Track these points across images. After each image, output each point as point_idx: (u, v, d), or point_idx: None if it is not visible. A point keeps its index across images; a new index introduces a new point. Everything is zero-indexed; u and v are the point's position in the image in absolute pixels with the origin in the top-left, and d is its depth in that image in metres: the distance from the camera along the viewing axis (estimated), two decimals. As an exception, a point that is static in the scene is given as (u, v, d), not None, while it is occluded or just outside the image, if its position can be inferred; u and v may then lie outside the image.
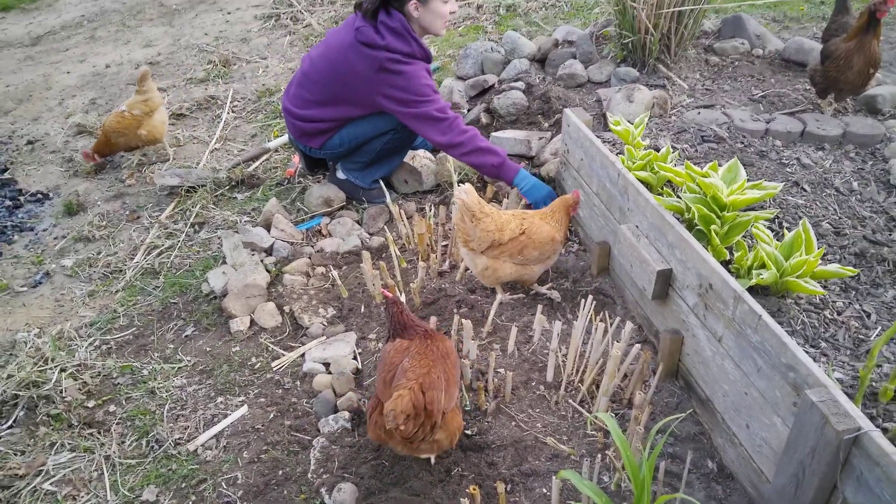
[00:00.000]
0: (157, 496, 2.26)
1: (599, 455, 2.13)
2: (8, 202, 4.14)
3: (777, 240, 2.42)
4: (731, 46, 4.03)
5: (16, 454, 2.44)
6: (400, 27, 3.16)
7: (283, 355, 2.74)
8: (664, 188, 2.79)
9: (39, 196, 4.19)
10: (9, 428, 2.54)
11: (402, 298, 2.73)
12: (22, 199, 4.18)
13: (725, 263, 2.37)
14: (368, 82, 3.20)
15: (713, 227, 2.36)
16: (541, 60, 4.29)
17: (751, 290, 2.18)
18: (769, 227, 2.60)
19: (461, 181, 3.48)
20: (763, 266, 2.25)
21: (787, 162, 3.02)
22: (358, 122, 3.38)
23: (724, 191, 2.38)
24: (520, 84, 3.99)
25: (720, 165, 2.57)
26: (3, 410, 2.60)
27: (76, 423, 2.54)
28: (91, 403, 2.62)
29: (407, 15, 3.20)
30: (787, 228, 2.60)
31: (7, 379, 2.70)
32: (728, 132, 3.21)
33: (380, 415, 1.96)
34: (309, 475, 2.22)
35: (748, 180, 2.48)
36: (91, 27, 7.05)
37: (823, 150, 3.14)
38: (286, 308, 2.95)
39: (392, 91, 3.19)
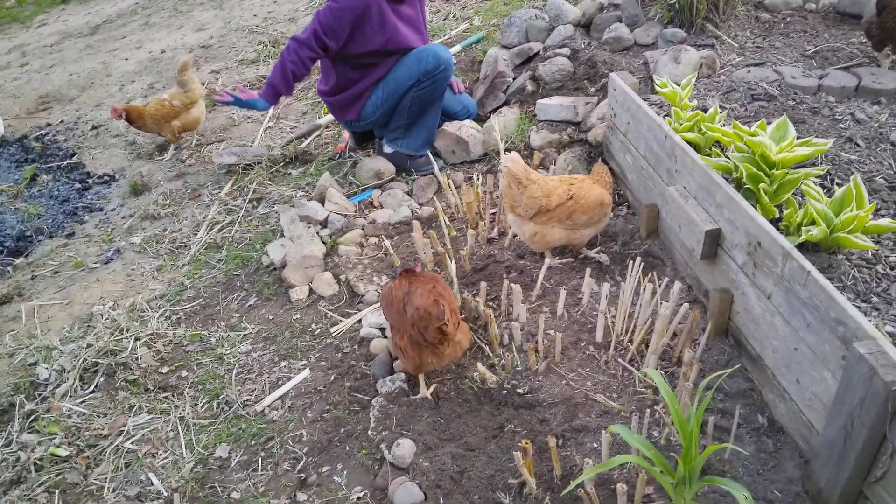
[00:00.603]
0: (229, 453, 2.42)
1: (648, 411, 2.18)
2: (78, 185, 4.37)
3: (828, 196, 2.39)
4: (782, 2, 3.92)
5: (99, 416, 2.63)
6: None
7: (341, 321, 2.86)
8: (712, 149, 2.78)
9: (106, 178, 4.41)
10: (91, 392, 2.74)
11: (453, 266, 2.81)
12: (90, 181, 4.40)
13: (775, 221, 2.37)
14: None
15: (762, 185, 2.36)
16: (585, 25, 4.26)
17: (800, 247, 2.17)
18: (821, 185, 2.57)
19: (508, 150, 3.52)
20: (813, 223, 2.24)
21: (840, 118, 2.95)
22: (379, 86, 3.51)
23: (772, 149, 2.36)
24: (565, 50, 3.98)
25: (769, 124, 2.55)
26: (86, 377, 2.80)
27: (152, 388, 2.72)
28: (165, 369, 2.80)
29: None
30: (838, 185, 2.57)
31: (87, 348, 2.90)
32: (779, 90, 3.15)
33: (401, 338, 2.29)
34: (369, 432, 2.34)
35: (798, 137, 2.46)
36: (145, 14, 7.28)
37: (879, 105, 3.06)
38: (342, 277, 3.07)
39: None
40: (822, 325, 1.86)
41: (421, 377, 2.43)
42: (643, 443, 1.84)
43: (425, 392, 2.42)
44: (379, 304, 2.89)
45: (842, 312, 1.78)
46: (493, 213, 3.24)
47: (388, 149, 3.69)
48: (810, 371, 1.94)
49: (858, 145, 2.77)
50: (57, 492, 2.38)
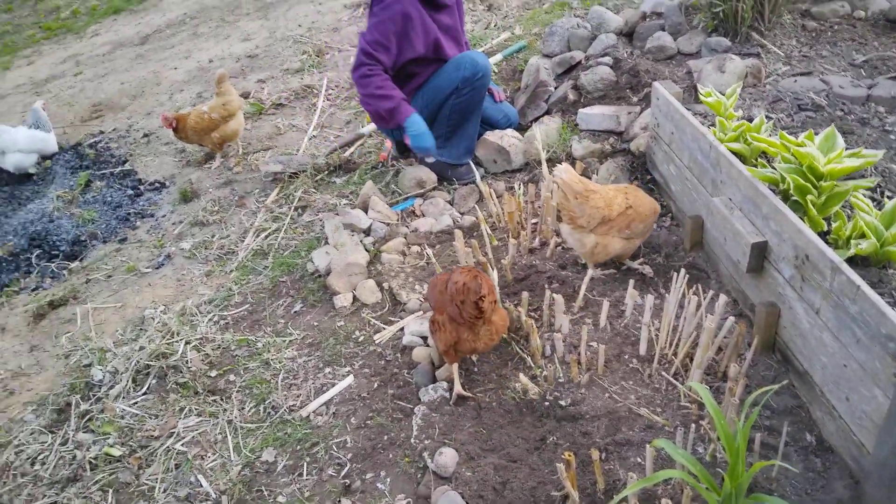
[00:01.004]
0: (275, 457, 2.48)
1: (693, 426, 2.16)
2: (130, 191, 4.51)
3: (878, 209, 2.35)
4: (829, 10, 3.86)
5: (150, 417, 2.72)
6: None
7: (384, 329, 2.91)
8: (758, 160, 2.75)
9: (157, 185, 4.54)
10: (143, 394, 2.83)
11: (494, 275, 2.83)
12: (142, 187, 4.54)
13: (823, 234, 2.34)
14: None
15: (809, 197, 2.33)
16: (628, 34, 4.25)
17: (850, 260, 2.14)
18: (870, 197, 2.52)
19: (549, 159, 3.54)
20: (862, 236, 2.21)
21: (890, 129, 2.90)
22: (418, 94, 3.56)
23: (820, 160, 2.33)
24: (607, 59, 3.97)
25: (818, 134, 2.52)
26: (138, 378, 2.90)
27: (201, 391, 2.80)
28: (213, 373, 2.88)
29: None
30: (888, 197, 2.52)
31: (140, 350, 3.00)
32: (827, 100, 3.11)
33: (441, 313, 2.40)
34: (412, 440, 2.37)
35: (847, 148, 2.42)
36: (193, 24, 7.46)
37: (933, 115, 3.00)
38: (385, 285, 3.11)
39: (370, 20, 3.42)
40: (873, 341, 1.84)
41: (455, 373, 2.47)
42: (688, 458, 1.84)
43: (459, 388, 2.45)
44: (420, 312, 2.92)
45: (893, 329, 1.76)
46: (535, 223, 3.26)
47: (430, 159, 3.73)
48: (860, 388, 1.91)
49: (910, 157, 2.72)
50: (110, 491, 2.47)
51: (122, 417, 2.72)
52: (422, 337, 2.78)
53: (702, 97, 2.96)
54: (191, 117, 4.37)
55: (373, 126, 4.43)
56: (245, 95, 5.38)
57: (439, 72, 3.55)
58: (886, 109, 3.04)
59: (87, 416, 2.77)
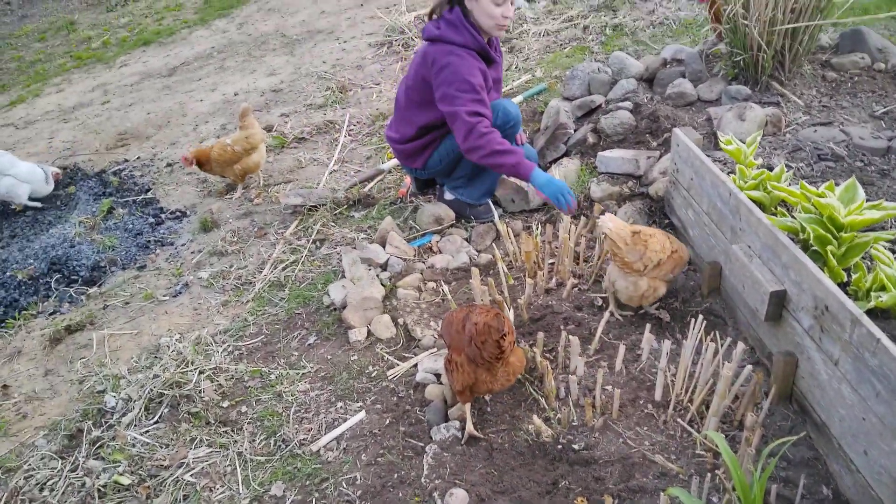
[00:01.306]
0: (283, 492, 2.46)
1: (709, 475, 2.13)
2: (151, 219, 4.58)
3: (900, 262, 2.34)
4: (849, 61, 3.90)
5: (161, 447, 2.72)
6: (455, 19, 3.32)
7: (398, 365, 2.90)
8: (777, 208, 2.76)
9: (178, 214, 4.60)
10: (155, 423, 2.83)
11: (511, 314, 2.83)
12: (163, 216, 4.61)
13: (843, 286, 2.33)
14: (430, 81, 3.39)
15: (829, 248, 2.33)
16: (648, 80, 4.30)
17: (869, 313, 2.13)
18: (891, 249, 2.52)
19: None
20: (882, 288, 2.20)
21: (911, 181, 2.90)
22: (448, 137, 3.56)
23: (840, 211, 2.34)
24: (627, 104, 4.01)
25: (838, 185, 2.52)
26: (151, 407, 2.90)
27: (213, 421, 2.79)
28: (225, 404, 2.88)
29: (466, 10, 3.34)
30: (910, 250, 2.51)
31: (154, 379, 3.01)
32: (846, 150, 3.12)
33: (458, 354, 2.36)
34: (422, 480, 2.35)
35: (868, 200, 2.42)
36: (220, 58, 7.64)
37: (953, 169, 3.00)
38: (400, 320, 3.12)
39: (440, 87, 3.33)
40: (893, 395, 1.81)
41: (468, 413, 2.45)
42: (703, 508, 1.81)
43: (471, 428, 2.43)
44: (434, 349, 2.92)
45: (914, 384, 1.74)
46: (552, 263, 3.26)
47: (448, 195, 3.76)
48: (879, 443, 1.88)
49: (931, 210, 2.71)
50: (118, 519, 2.46)
51: (133, 446, 2.72)
52: (435, 374, 2.77)
53: (722, 145, 2.98)
54: (214, 149, 4.46)
55: (393, 162, 4.49)
56: (268, 129, 5.48)
57: None
58: (907, 161, 3.05)
59: (99, 444, 2.77)
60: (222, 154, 4.43)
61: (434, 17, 3.44)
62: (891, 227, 2.61)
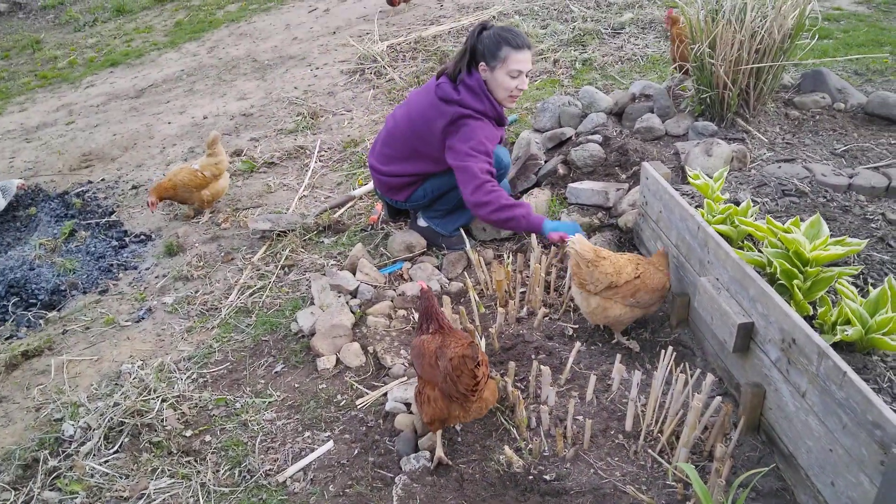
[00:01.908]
0: (248, 524, 2.39)
1: (679, 506, 2.14)
2: (115, 242, 4.48)
3: (862, 296, 2.40)
4: (811, 100, 4.03)
5: (121, 477, 2.63)
6: (476, 86, 3.36)
7: (367, 394, 2.86)
8: (745, 242, 2.81)
9: (143, 237, 4.52)
10: (115, 452, 2.74)
11: (482, 343, 2.82)
12: (127, 239, 4.51)
13: (809, 319, 2.37)
14: (442, 135, 3.41)
15: (795, 282, 2.37)
16: (618, 114, 4.38)
17: (835, 346, 2.17)
18: (854, 284, 2.58)
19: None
20: (847, 322, 2.24)
21: (871, 217, 2.99)
22: (440, 175, 3.55)
23: (806, 246, 2.39)
24: (597, 137, 4.08)
25: (802, 220, 2.58)
26: (111, 436, 2.81)
27: (175, 451, 2.71)
28: (189, 433, 2.80)
29: (484, 77, 3.38)
30: (872, 285, 2.58)
31: (114, 407, 2.92)
32: (810, 186, 3.20)
33: (432, 388, 2.35)
34: (392, 511, 2.31)
35: (831, 235, 2.48)
36: (190, 81, 7.58)
37: (910, 206, 3.10)
38: (370, 348, 3.08)
39: (455, 142, 3.38)
40: (859, 427, 1.84)
41: (438, 440, 2.44)
42: (675, 540, 1.80)
43: (441, 454, 2.42)
44: (405, 377, 2.89)
45: (879, 416, 1.77)
46: (523, 292, 3.27)
47: (422, 223, 3.76)
48: (846, 474, 1.91)
49: (891, 246, 2.79)
50: (73, 554, 2.36)
51: (92, 476, 2.63)
52: (405, 403, 2.74)
53: (690, 179, 3.04)
54: (182, 173, 4.41)
55: (364, 189, 4.48)
56: (238, 153, 5.44)
57: None
58: (867, 198, 3.14)
59: (55, 474, 2.67)
60: (192, 179, 4.40)
61: (448, 74, 3.44)
62: (853, 263, 2.67)
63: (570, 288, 3.14)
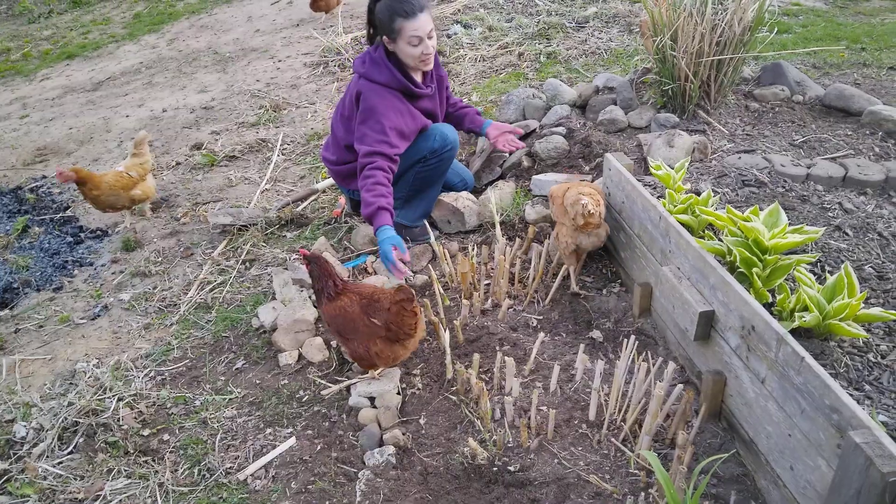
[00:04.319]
0: (208, 523, 2.34)
1: (643, 494, 2.14)
2: (69, 238, 4.36)
3: (819, 283, 2.43)
4: (770, 93, 4.08)
5: (76, 479, 2.55)
6: (378, 57, 3.37)
7: (330, 388, 2.82)
8: (705, 231, 2.84)
9: (99, 233, 4.40)
10: (69, 454, 2.66)
11: (447, 336, 2.79)
12: (82, 235, 4.39)
13: (768, 306, 2.40)
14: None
15: (755, 269, 2.40)
16: (581, 106, 4.39)
17: (793, 332, 2.20)
18: (811, 271, 2.62)
19: (503, 222, 3.57)
20: (805, 309, 2.27)
21: (828, 206, 3.04)
22: None
23: (765, 235, 2.41)
24: (561, 129, 4.08)
25: (761, 209, 2.61)
26: (65, 437, 2.72)
27: (132, 451, 2.64)
28: (146, 432, 2.73)
29: (389, 50, 3.37)
30: (829, 272, 2.62)
31: (68, 406, 2.83)
32: (769, 176, 3.24)
33: (374, 343, 2.59)
34: (355, 506, 2.27)
35: (790, 224, 2.52)
36: (149, 73, 7.42)
37: (866, 195, 3.16)
38: (333, 343, 3.04)
39: (357, 124, 3.39)
40: (817, 412, 1.86)
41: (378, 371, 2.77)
42: (638, 528, 1.80)
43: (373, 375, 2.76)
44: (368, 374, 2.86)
45: (836, 400, 1.79)
46: (488, 284, 3.26)
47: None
48: (804, 458, 1.93)
49: (847, 234, 2.84)
50: (25, 559, 2.28)
51: (45, 478, 2.54)
52: (369, 398, 2.71)
53: (652, 170, 3.05)
54: (108, 177, 4.17)
55: (328, 182, 4.43)
56: (198, 146, 5.33)
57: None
58: (824, 188, 3.19)
59: (6, 477, 2.57)
60: (119, 181, 4.15)
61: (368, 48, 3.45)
62: (811, 251, 2.71)
63: (540, 276, 3.14)
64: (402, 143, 3.40)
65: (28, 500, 2.46)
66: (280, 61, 7.14)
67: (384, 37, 3.32)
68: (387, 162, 3.31)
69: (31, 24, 10.29)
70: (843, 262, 2.66)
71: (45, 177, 5.29)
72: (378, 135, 3.31)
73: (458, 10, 7.59)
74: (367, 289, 2.66)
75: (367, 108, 3.34)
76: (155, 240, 4.17)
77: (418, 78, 3.49)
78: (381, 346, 2.59)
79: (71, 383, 3.03)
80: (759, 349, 2.10)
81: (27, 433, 2.75)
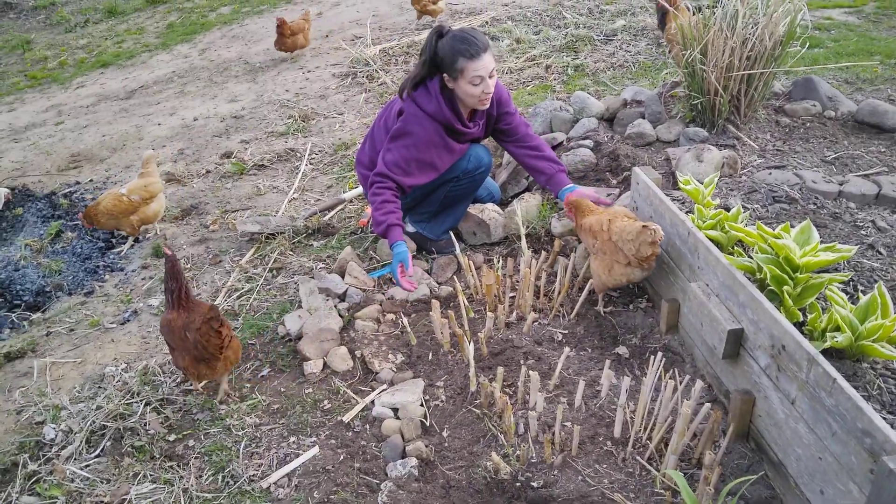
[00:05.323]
0: (231, 530, 2.35)
1: (667, 514, 2.11)
2: (101, 243, 4.43)
3: (852, 303, 2.39)
4: (802, 108, 4.03)
5: (102, 482, 2.58)
6: (432, 89, 3.35)
7: (354, 398, 2.83)
8: (735, 248, 2.80)
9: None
10: (96, 457, 2.70)
11: (471, 348, 2.79)
12: (114, 240, 4.46)
13: (798, 325, 2.36)
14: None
15: (785, 288, 2.36)
16: (609, 119, 4.38)
17: (825, 352, 2.16)
18: (843, 290, 2.57)
19: (528, 235, 3.57)
20: (837, 329, 2.23)
21: (861, 224, 2.98)
22: None
23: (796, 252, 2.38)
24: (588, 142, 4.07)
25: (792, 226, 2.58)
26: (92, 440, 2.76)
27: (158, 456, 2.67)
28: (172, 437, 2.75)
29: (444, 84, 3.35)
30: (862, 291, 2.57)
31: (96, 410, 2.87)
32: (800, 193, 3.20)
33: (183, 357, 2.76)
34: (377, 518, 2.27)
35: (821, 242, 2.48)
36: (181, 82, 7.54)
37: (900, 214, 3.10)
38: (357, 353, 3.05)
39: (387, 142, 3.40)
40: (849, 435, 1.83)
41: (197, 383, 2.95)
42: (663, 549, 1.78)
43: (225, 387, 2.92)
44: (392, 383, 2.86)
45: (869, 424, 1.75)
46: (513, 297, 3.25)
47: (410, 228, 3.73)
48: (835, 482, 1.89)
49: (881, 253, 2.79)
50: (52, 560, 2.32)
51: (72, 481, 2.58)
52: (393, 409, 2.71)
53: (681, 185, 3.03)
54: (106, 201, 4.15)
55: (355, 192, 4.46)
56: (227, 155, 5.41)
57: None
58: (857, 205, 3.14)
59: (35, 478, 2.62)
60: (117, 205, 4.11)
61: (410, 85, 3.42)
62: (843, 269, 2.67)
63: (566, 290, 3.13)
64: (421, 177, 3.43)
65: (56, 502, 2.50)
66: (309, 72, 7.22)
67: (445, 74, 3.31)
68: (397, 188, 3.37)
69: (68, 32, 10.53)
70: (876, 281, 2.61)
71: (78, 182, 5.39)
72: (401, 161, 3.35)
73: (486, 23, 7.62)
74: (202, 308, 2.75)
75: (404, 131, 3.36)
76: (184, 247, 4.23)
77: (465, 113, 3.46)
78: (188, 362, 2.75)
79: (100, 387, 3.08)
80: (789, 369, 2.07)
81: (56, 435, 2.80)
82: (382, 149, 3.44)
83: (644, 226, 2.69)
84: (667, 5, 5.01)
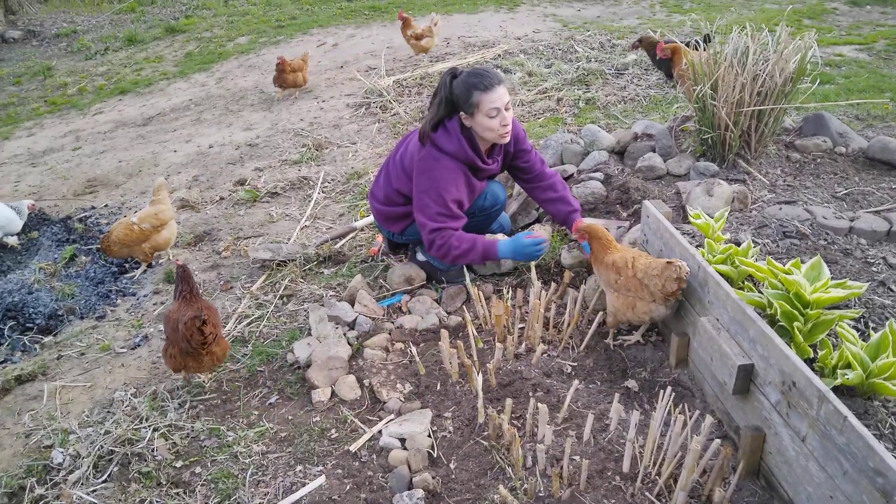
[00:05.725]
0: (235, 559, 2.34)
1: (676, 552, 2.08)
2: (114, 268, 4.47)
3: (863, 340, 2.37)
4: (812, 144, 4.05)
5: (108, 508, 2.58)
6: (451, 128, 3.38)
7: (361, 428, 2.82)
8: (745, 283, 2.80)
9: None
10: (103, 482, 2.69)
11: (479, 379, 2.78)
12: (127, 265, 4.50)
13: (809, 362, 2.34)
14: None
15: (796, 324, 2.35)
16: (619, 152, 4.41)
17: (835, 390, 2.14)
18: (854, 327, 2.56)
19: (538, 266, 3.57)
20: (848, 366, 2.22)
21: (872, 261, 2.98)
22: None
23: (807, 288, 2.37)
24: (598, 175, 4.10)
25: (802, 262, 2.58)
26: (100, 465, 2.76)
27: (164, 482, 2.66)
28: (179, 463, 2.75)
29: (463, 123, 3.39)
30: (873, 328, 2.56)
31: (105, 435, 2.88)
32: (810, 229, 3.20)
33: (174, 347, 2.97)
34: (382, 550, 2.25)
35: (832, 278, 2.47)
36: (197, 110, 7.66)
37: (912, 251, 3.09)
38: (366, 381, 3.05)
39: (416, 191, 3.42)
40: (860, 474, 1.81)
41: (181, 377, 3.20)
42: (671, 588, 1.75)
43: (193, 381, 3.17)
44: (399, 413, 2.85)
45: (881, 463, 1.74)
46: (522, 328, 3.25)
47: (420, 257, 3.76)
48: (848, 523, 1.86)
49: (892, 290, 2.77)
50: (55, 586, 2.30)
51: (78, 505, 2.58)
52: (400, 439, 2.70)
53: (691, 219, 3.04)
54: (118, 230, 4.19)
55: (366, 220, 4.49)
56: (241, 182, 5.47)
57: None
58: (868, 242, 3.13)
59: (42, 502, 2.62)
60: (128, 234, 4.15)
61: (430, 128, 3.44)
62: (854, 306, 2.66)
63: (576, 322, 3.13)
64: (461, 213, 3.47)
65: (62, 527, 2.49)
66: (324, 101, 7.32)
67: (462, 113, 3.36)
68: (450, 231, 3.40)
69: (88, 60, 10.73)
70: (887, 318, 2.59)
71: (93, 207, 5.46)
72: (440, 208, 3.37)
73: (499, 55, 7.73)
74: (199, 304, 3.01)
75: (429, 180, 3.37)
76: (196, 272, 4.26)
77: (483, 149, 3.49)
78: (175, 350, 2.96)
79: (108, 411, 3.09)
80: (800, 406, 2.05)
81: (64, 459, 2.80)
82: (416, 203, 3.43)
83: (668, 262, 2.69)
84: (670, 49, 5.03)
